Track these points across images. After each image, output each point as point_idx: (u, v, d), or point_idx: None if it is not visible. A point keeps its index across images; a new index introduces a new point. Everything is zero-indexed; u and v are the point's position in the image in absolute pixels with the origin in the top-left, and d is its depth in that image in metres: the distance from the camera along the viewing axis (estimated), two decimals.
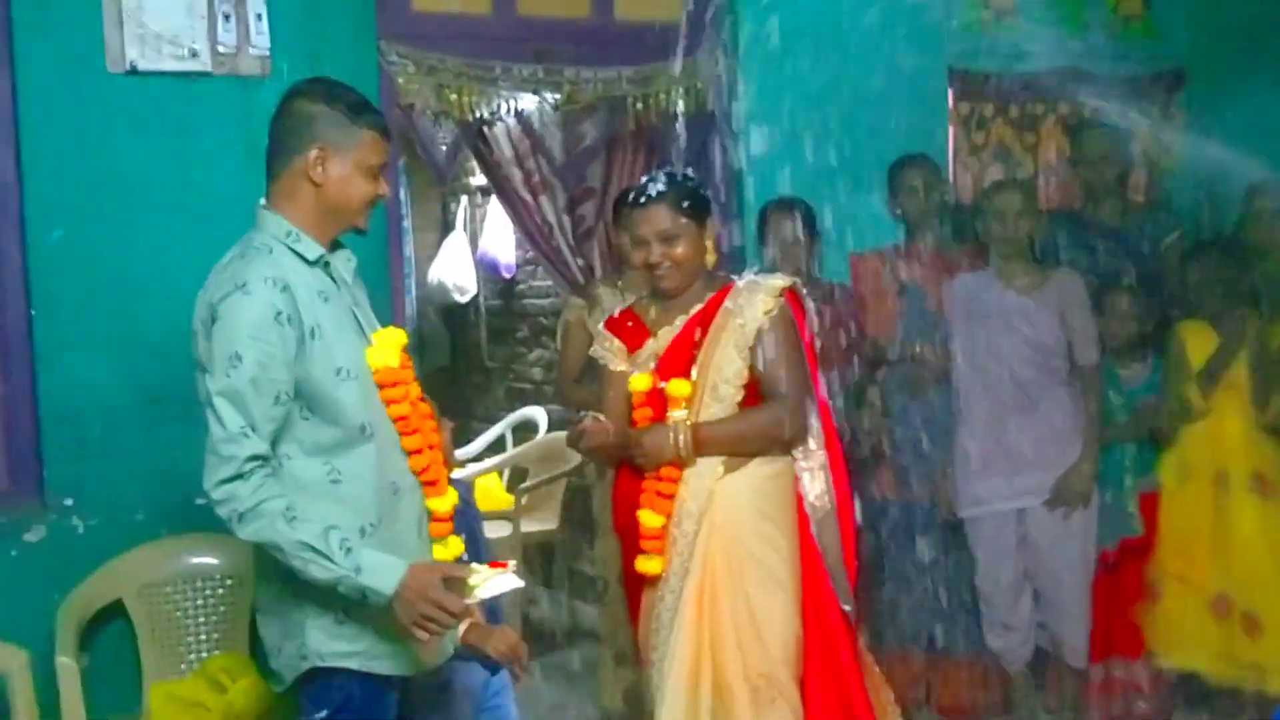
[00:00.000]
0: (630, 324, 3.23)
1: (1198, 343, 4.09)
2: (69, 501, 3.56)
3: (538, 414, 6.09)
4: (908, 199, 4.18)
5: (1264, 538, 4.00)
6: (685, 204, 3.06)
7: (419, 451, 2.60)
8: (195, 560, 3.63)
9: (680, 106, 4.34)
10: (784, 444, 3.10)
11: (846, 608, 3.13)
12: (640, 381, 3.13)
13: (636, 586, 3.17)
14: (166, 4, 3.58)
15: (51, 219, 3.54)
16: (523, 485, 5.45)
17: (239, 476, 2.37)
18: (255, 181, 3.67)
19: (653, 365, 3.14)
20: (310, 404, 2.46)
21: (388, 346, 2.59)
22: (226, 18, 3.65)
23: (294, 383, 2.43)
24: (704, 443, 3.02)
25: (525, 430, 6.15)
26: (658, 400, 3.11)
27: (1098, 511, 4.07)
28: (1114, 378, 4.15)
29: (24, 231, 3.54)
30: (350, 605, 2.48)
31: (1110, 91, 4.61)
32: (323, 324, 2.48)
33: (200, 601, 3.61)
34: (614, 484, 3.31)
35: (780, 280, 3.11)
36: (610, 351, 3.24)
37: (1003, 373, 4.01)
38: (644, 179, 3.18)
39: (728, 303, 3.06)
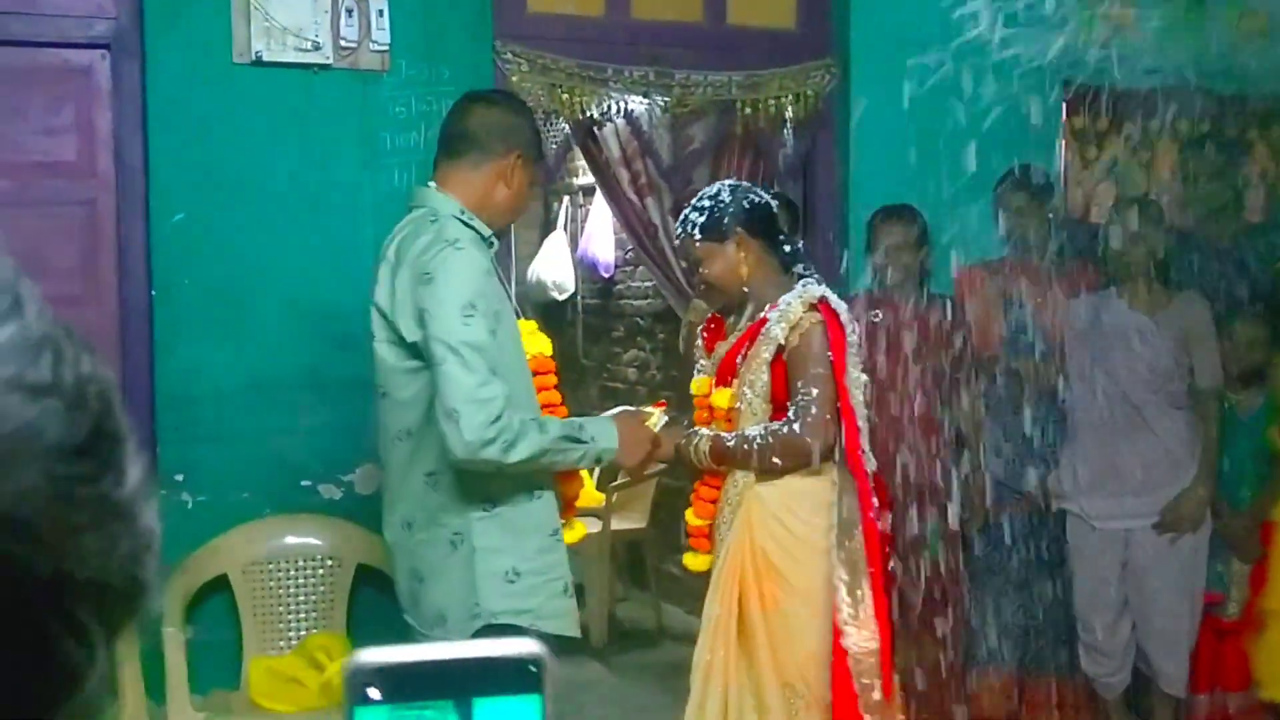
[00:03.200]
0: (713, 326, 3.30)
1: None
2: (179, 478, 3.67)
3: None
4: (1015, 213, 4.13)
5: None
6: (700, 230, 3.10)
7: None
8: (297, 540, 3.71)
9: (789, 112, 4.34)
10: (810, 461, 3.05)
11: (841, 620, 3.03)
12: (699, 386, 3.22)
13: None
14: None
15: (174, 203, 3.65)
16: (613, 483, 5.48)
17: (501, 415, 2.48)
18: (371, 173, 3.80)
19: (715, 371, 3.20)
20: (498, 363, 2.55)
21: (538, 334, 2.83)
22: (349, 13, 3.73)
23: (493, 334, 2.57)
24: (720, 456, 3.07)
25: None
26: (710, 406, 3.18)
27: (1208, 540, 3.99)
28: (1229, 404, 4.07)
29: (148, 214, 3.65)
30: (521, 563, 2.63)
31: (1229, 110, 4.51)
32: (500, 295, 2.68)
33: (301, 580, 3.70)
34: None
35: (812, 293, 3.06)
36: (697, 349, 3.33)
37: (1117, 393, 3.94)
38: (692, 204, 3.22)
39: (770, 314, 3.06)
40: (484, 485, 2.61)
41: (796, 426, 2.97)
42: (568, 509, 2.82)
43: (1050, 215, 4.20)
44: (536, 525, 2.68)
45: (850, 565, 3.00)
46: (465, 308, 2.49)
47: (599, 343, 6.89)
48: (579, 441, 2.62)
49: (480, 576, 2.62)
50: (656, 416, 2.87)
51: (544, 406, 2.74)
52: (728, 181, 3.26)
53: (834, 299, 3.08)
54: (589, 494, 5.67)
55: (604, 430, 2.69)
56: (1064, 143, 4.71)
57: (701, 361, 3.29)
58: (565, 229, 7.11)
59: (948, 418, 4.08)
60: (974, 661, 4.15)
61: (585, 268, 6.83)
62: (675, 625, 5.40)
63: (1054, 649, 4.16)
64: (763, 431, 3.01)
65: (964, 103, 4.37)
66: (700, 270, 3.13)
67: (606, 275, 6.68)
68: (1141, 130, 4.82)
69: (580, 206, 6.96)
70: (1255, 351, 4.05)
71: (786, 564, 3.05)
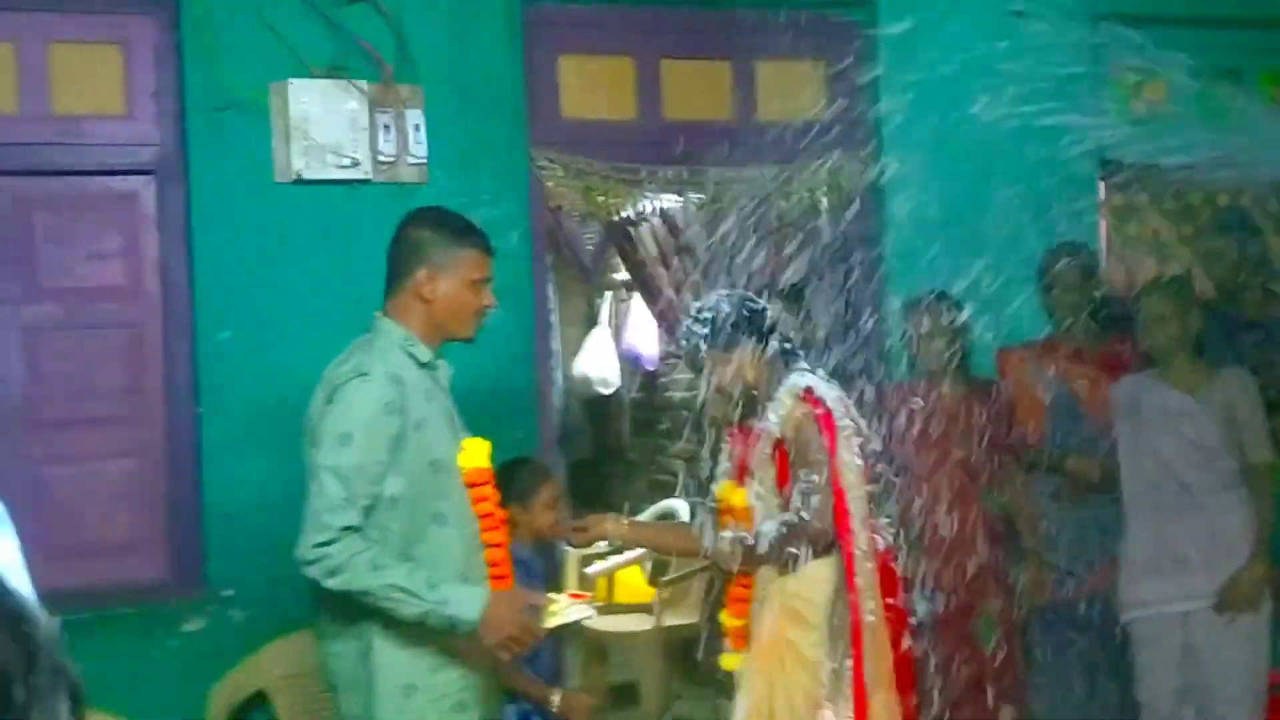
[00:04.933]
0: (736, 431, 3.36)
1: None
2: (229, 593, 3.68)
3: (679, 506, 6.09)
4: (1064, 290, 4.11)
5: None
6: (705, 341, 3.21)
7: (498, 546, 2.87)
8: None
9: (824, 204, 4.37)
10: (825, 543, 3.14)
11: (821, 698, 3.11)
12: (724, 491, 3.30)
13: None
14: (331, 117, 3.75)
15: (220, 321, 3.71)
16: (665, 578, 5.44)
17: (333, 541, 2.63)
18: None
19: (734, 473, 3.32)
20: (400, 491, 2.71)
21: (478, 450, 2.85)
22: (387, 129, 3.80)
23: (389, 468, 2.69)
24: (746, 557, 3.15)
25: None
26: (730, 509, 3.28)
27: (1270, 619, 3.90)
28: None
29: (194, 332, 3.71)
30: (418, 679, 2.71)
31: (1266, 183, 4.49)
32: (427, 419, 2.77)
33: None
34: None
35: (799, 382, 3.17)
36: (725, 454, 3.40)
37: (1166, 474, 3.89)
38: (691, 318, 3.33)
39: (768, 411, 3.18)
40: None
41: (805, 514, 3.08)
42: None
43: (1095, 293, 4.18)
44: (433, 639, 2.74)
45: (837, 644, 3.11)
46: (343, 436, 2.66)
47: (646, 436, 6.89)
48: (416, 597, 2.61)
49: (379, 691, 2.74)
50: (560, 606, 2.74)
51: (482, 518, 2.83)
52: (724, 291, 3.38)
53: (821, 386, 3.18)
54: (640, 589, 5.66)
55: (467, 599, 2.66)
56: (1103, 220, 4.69)
57: (726, 465, 3.37)
58: (609, 323, 7.14)
59: (992, 504, 4.04)
60: None
61: (629, 361, 6.85)
62: None
63: None
64: (776, 525, 3.12)
65: (1001, 185, 4.37)
66: (708, 378, 3.23)
67: (650, 369, 6.70)
68: (1180, 205, 4.80)
69: (622, 301, 7.00)
70: None
71: (799, 641, 3.15)
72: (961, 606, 3.94)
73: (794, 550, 3.09)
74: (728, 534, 3.18)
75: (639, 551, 6.00)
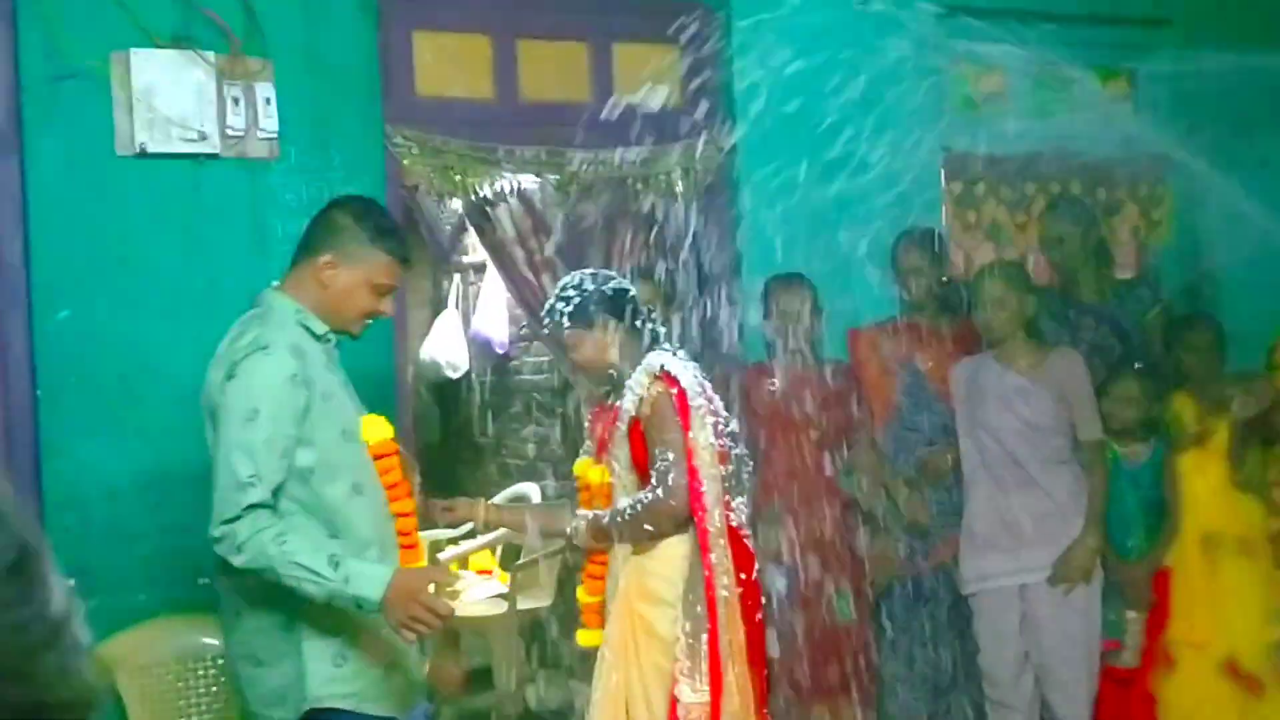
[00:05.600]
0: (601, 410, 3.41)
1: (1187, 415, 4.18)
2: (71, 583, 3.52)
3: (531, 490, 6.07)
4: (913, 273, 4.23)
5: (1254, 596, 4.07)
6: (568, 318, 3.25)
7: (407, 515, 2.86)
8: (190, 640, 3.60)
9: (680, 187, 4.40)
10: (681, 522, 3.20)
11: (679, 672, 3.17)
12: (580, 467, 3.37)
13: None
14: (177, 88, 3.62)
15: (58, 300, 3.55)
16: (517, 562, 5.43)
17: (238, 518, 2.59)
18: (261, 262, 3.74)
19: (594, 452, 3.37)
20: (314, 462, 2.68)
21: (379, 423, 2.83)
22: (236, 101, 3.69)
23: (299, 441, 2.65)
24: (598, 535, 3.24)
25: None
26: (587, 487, 3.34)
27: (1101, 589, 4.09)
28: (1115, 458, 4.18)
29: (30, 313, 3.55)
30: (347, 647, 2.69)
31: (1098, 172, 4.69)
32: (332, 390, 2.76)
33: (193, 682, 3.58)
34: None
35: (654, 361, 3.23)
36: (590, 435, 3.43)
37: (1002, 452, 4.04)
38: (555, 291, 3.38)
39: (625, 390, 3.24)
40: None
41: (660, 492, 3.13)
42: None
43: (944, 277, 4.32)
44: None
45: (693, 620, 3.16)
46: (249, 412, 2.61)
47: (497, 420, 6.85)
48: (319, 575, 2.55)
49: (309, 660, 2.70)
50: (467, 584, 2.68)
51: (389, 488, 2.82)
52: (587, 270, 3.39)
53: (676, 365, 3.23)
54: (489, 571, 5.63)
55: (370, 577, 2.58)
56: (945, 207, 4.84)
57: (587, 443, 3.41)
58: (457, 306, 7.07)
59: (843, 482, 4.15)
60: None
61: (479, 345, 6.80)
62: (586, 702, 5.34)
63: (961, 706, 4.21)
64: (631, 503, 3.17)
65: (848, 172, 4.47)
66: (570, 355, 3.30)
67: (501, 352, 6.66)
68: (1017, 192, 4.99)
69: (471, 284, 6.94)
70: (1137, 407, 4.18)
71: (653, 618, 3.21)
72: (817, 582, 4.03)
73: (649, 528, 3.14)
74: (584, 513, 3.24)
75: (493, 535, 5.98)
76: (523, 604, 5.34)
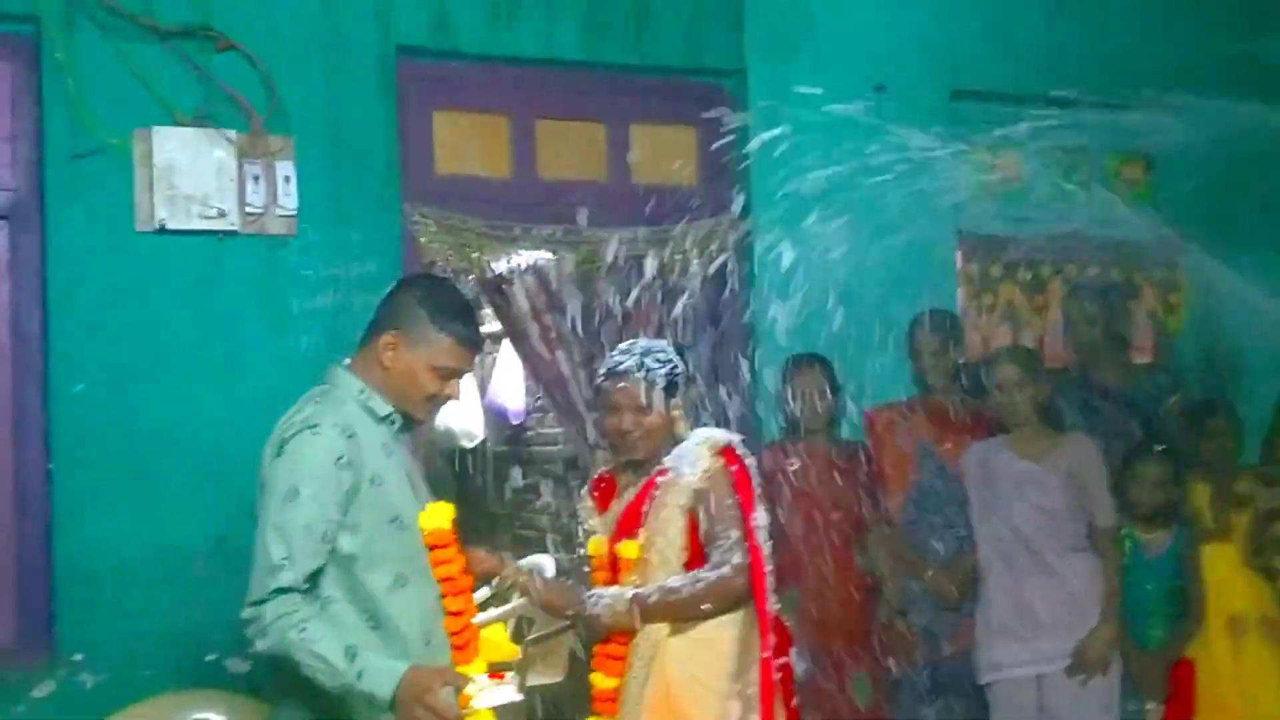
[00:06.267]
0: (604, 485, 3.30)
1: (1202, 503, 4.16)
2: (79, 657, 3.53)
3: (545, 562, 6.03)
4: (929, 355, 4.23)
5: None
6: (663, 381, 3.16)
7: (459, 614, 2.73)
8: (196, 716, 3.55)
9: (695, 266, 4.42)
10: (741, 602, 3.10)
11: None
12: (596, 546, 3.20)
13: None
14: (197, 165, 3.68)
15: (74, 373, 3.59)
16: (530, 637, 5.38)
17: (265, 601, 2.50)
18: (279, 339, 3.77)
19: (614, 527, 3.18)
20: (356, 549, 2.59)
21: (440, 513, 2.73)
22: (256, 179, 3.74)
23: (341, 526, 2.56)
24: (647, 612, 3.06)
25: None
26: (613, 564, 3.16)
27: (1120, 680, 4.03)
28: (1136, 546, 4.15)
29: (46, 385, 3.58)
30: None
31: (1114, 256, 4.69)
32: (385, 475, 2.64)
33: None
34: None
35: (720, 438, 3.17)
36: (585, 508, 3.30)
37: (1016, 539, 4.01)
38: (620, 351, 3.25)
39: (669, 462, 3.13)
40: None
41: (726, 570, 3.03)
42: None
43: (960, 360, 4.31)
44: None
45: (745, 704, 3.05)
46: (289, 492, 2.53)
47: (510, 490, 6.84)
48: (333, 667, 2.45)
49: None
50: (479, 687, 2.52)
51: (442, 581, 2.71)
52: (662, 342, 3.31)
53: (738, 443, 3.17)
54: (504, 648, 5.58)
55: (383, 674, 2.47)
56: (960, 289, 4.84)
57: (592, 522, 3.28)
58: (474, 376, 7.09)
59: (863, 564, 4.11)
60: None
61: (494, 414, 6.81)
62: None
63: None
64: (690, 581, 3.04)
65: (864, 254, 4.48)
66: (637, 416, 3.13)
67: (516, 422, 6.66)
68: (1032, 275, 4.99)
69: (488, 354, 6.96)
70: (1160, 491, 4.14)
71: (703, 706, 3.06)
72: (836, 665, 3.99)
73: (707, 607, 3.03)
74: (621, 591, 3.07)
75: (512, 606, 5.94)
76: (533, 680, 5.29)
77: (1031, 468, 4.02)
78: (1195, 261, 5.09)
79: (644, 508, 3.13)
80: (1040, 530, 3.99)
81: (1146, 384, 4.51)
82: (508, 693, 2.47)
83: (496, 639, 5.86)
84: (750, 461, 3.16)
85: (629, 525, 3.15)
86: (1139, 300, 4.94)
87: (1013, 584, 4.01)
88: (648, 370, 3.15)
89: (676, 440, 3.21)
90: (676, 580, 3.06)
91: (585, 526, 3.31)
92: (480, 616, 5.81)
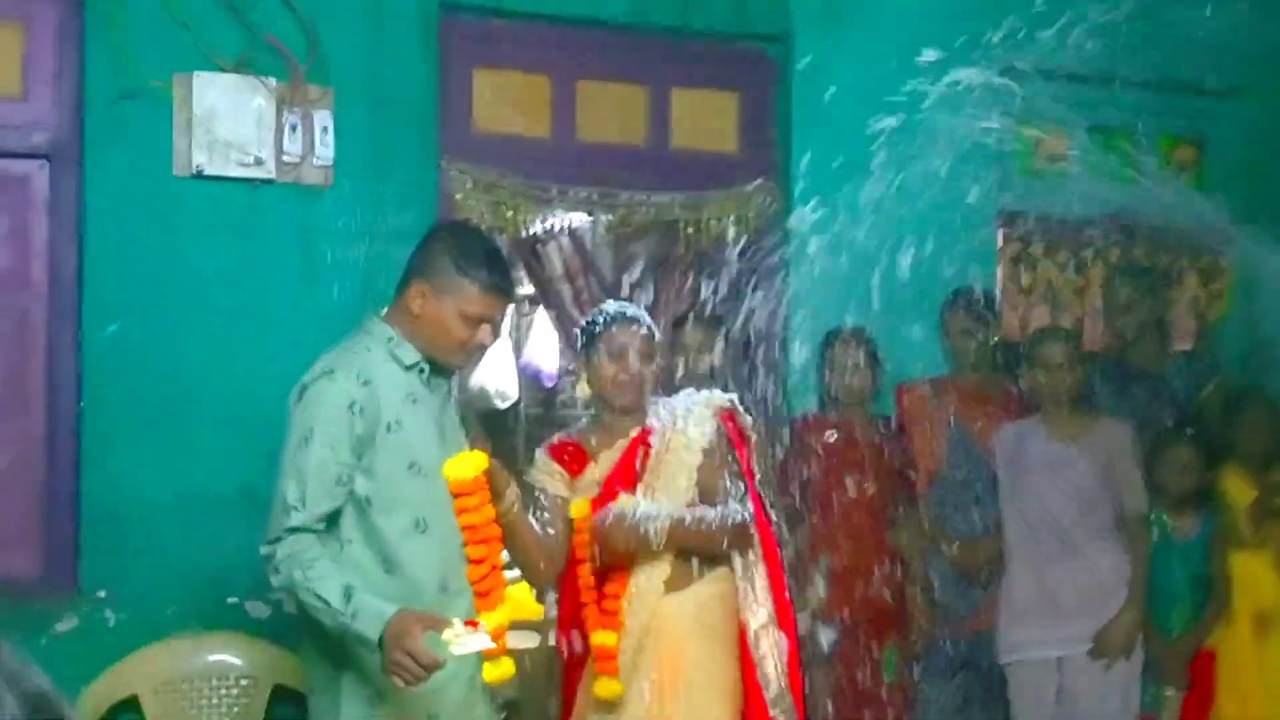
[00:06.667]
0: (570, 450, 3.24)
1: (1239, 492, 4.09)
2: (102, 594, 3.58)
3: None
4: (961, 334, 4.19)
5: None
6: (655, 332, 3.20)
7: (480, 562, 2.67)
8: (213, 658, 3.62)
9: (731, 233, 4.39)
10: (724, 553, 3.12)
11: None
12: (579, 508, 3.13)
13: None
14: (236, 112, 3.68)
15: (107, 315, 3.61)
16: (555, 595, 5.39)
17: (278, 540, 2.59)
18: (312, 288, 3.79)
19: (596, 491, 3.14)
20: (371, 493, 2.65)
21: (468, 462, 2.68)
22: (294, 128, 3.74)
23: (358, 468, 2.63)
24: (676, 534, 3.03)
25: None
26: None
27: (1141, 665, 3.99)
28: (1165, 531, 4.09)
29: (80, 326, 3.61)
30: (386, 686, 2.56)
31: (1159, 240, 4.62)
32: (404, 421, 2.69)
33: (215, 700, 3.59)
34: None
35: (721, 399, 3.19)
36: (550, 475, 3.22)
37: (1047, 520, 3.97)
38: (610, 305, 3.27)
39: (670, 421, 3.14)
40: None
41: (746, 517, 3.07)
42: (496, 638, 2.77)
43: (995, 339, 4.27)
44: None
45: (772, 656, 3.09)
46: (304, 436, 2.61)
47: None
48: (330, 607, 2.49)
49: (345, 695, 2.67)
50: (454, 634, 2.44)
51: (465, 529, 2.64)
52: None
53: (738, 406, 3.21)
54: (528, 606, 5.60)
55: (371, 616, 2.47)
56: (1000, 268, 4.78)
57: (557, 489, 3.17)
58: (510, 336, 7.10)
59: (892, 539, 4.10)
60: None
61: (528, 376, 6.82)
62: None
63: None
64: (721, 516, 3.05)
65: (902, 227, 4.43)
66: (643, 364, 3.13)
67: (549, 385, 6.67)
68: (1074, 256, 4.92)
69: (524, 315, 6.96)
70: (1191, 475, 4.10)
71: (710, 666, 3.08)
72: (864, 638, 3.99)
73: (723, 545, 3.06)
74: (661, 510, 3.01)
75: None
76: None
77: (1065, 450, 3.98)
78: (1242, 250, 5.00)
79: (637, 464, 3.13)
80: (1070, 513, 3.96)
81: (1184, 371, 4.45)
82: (481, 639, 2.45)
83: (521, 597, 5.93)
84: (747, 421, 3.20)
85: (622, 483, 3.12)
86: (1182, 287, 4.85)
87: (1039, 566, 3.99)
88: (648, 322, 3.20)
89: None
90: (711, 512, 3.06)
91: (547, 493, 3.17)
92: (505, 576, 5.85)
